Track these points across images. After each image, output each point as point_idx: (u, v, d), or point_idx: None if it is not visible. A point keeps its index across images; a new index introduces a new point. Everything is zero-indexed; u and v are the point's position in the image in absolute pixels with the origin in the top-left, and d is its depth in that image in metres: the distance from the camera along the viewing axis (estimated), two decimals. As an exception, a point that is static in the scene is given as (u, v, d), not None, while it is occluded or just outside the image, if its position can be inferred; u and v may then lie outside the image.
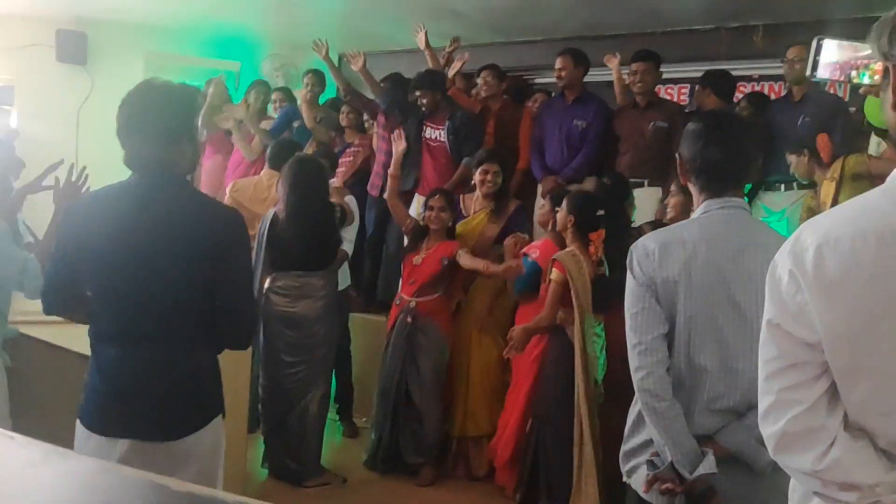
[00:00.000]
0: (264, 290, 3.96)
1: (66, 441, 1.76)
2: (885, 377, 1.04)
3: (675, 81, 6.34)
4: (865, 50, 1.49)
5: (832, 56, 1.55)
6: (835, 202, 3.62)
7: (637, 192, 4.17)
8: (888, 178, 1.11)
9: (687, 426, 1.88)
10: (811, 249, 1.06)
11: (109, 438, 1.96)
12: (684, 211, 3.31)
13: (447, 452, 4.13)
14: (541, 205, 3.95)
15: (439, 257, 3.92)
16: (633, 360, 1.95)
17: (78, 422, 2.04)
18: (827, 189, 3.75)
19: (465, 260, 3.81)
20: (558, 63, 4.76)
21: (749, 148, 2.04)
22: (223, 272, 2.01)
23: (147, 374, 1.98)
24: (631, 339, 1.95)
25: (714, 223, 1.96)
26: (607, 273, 3.49)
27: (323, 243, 3.99)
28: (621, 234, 3.62)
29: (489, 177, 4.24)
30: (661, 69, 4.81)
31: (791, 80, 4.26)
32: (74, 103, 6.96)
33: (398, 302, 4.07)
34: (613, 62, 4.86)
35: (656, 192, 4.27)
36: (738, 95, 5.18)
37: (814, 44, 1.57)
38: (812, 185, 4.06)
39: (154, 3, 6.46)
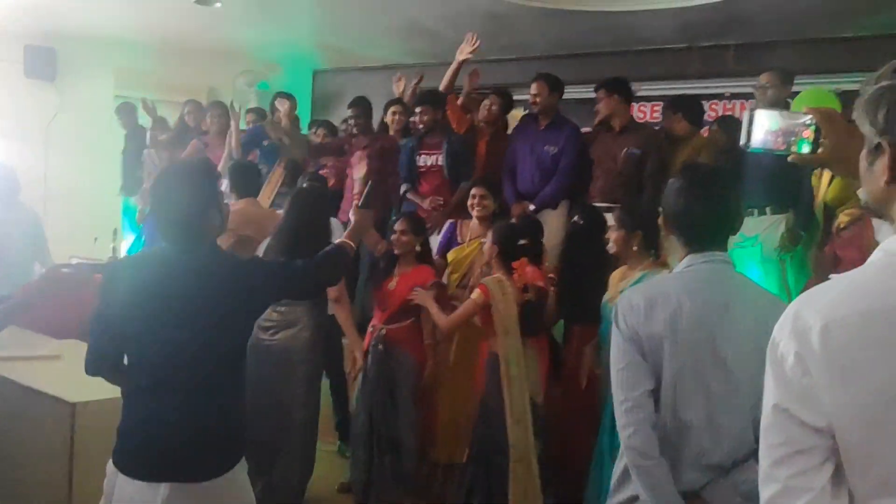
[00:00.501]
0: None
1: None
2: None
3: (648, 99, 6.38)
4: (801, 118, 1.48)
5: (768, 125, 1.55)
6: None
7: (609, 217, 4.17)
8: (877, 252, 1.09)
9: (673, 483, 1.86)
10: (817, 329, 1.03)
11: (150, 483, 2.09)
12: (626, 246, 3.29)
13: (434, 480, 4.07)
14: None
15: (410, 285, 3.87)
16: (620, 418, 1.91)
17: (113, 467, 2.18)
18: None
19: (421, 298, 3.77)
20: (533, 89, 4.73)
21: (733, 203, 2.03)
22: (278, 285, 2.38)
23: (183, 420, 2.14)
24: (617, 395, 1.92)
25: (699, 278, 1.95)
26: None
27: None
28: (600, 266, 3.64)
29: (477, 200, 4.21)
30: (634, 86, 4.78)
31: (762, 105, 4.29)
32: (43, 120, 6.86)
33: (371, 329, 4.02)
34: None
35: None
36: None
37: (746, 115, 1.56)
38: (785, 210, 4.09)
39: (124, 18, 6.39)
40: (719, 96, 5.97)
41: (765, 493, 1.12)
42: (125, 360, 2.24)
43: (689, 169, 2.14)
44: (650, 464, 1.85)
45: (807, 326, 1.04)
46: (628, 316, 1.93)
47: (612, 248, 3.39)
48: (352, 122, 5.52)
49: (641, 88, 6.13)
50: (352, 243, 2.70)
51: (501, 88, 5.33)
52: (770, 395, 1.10)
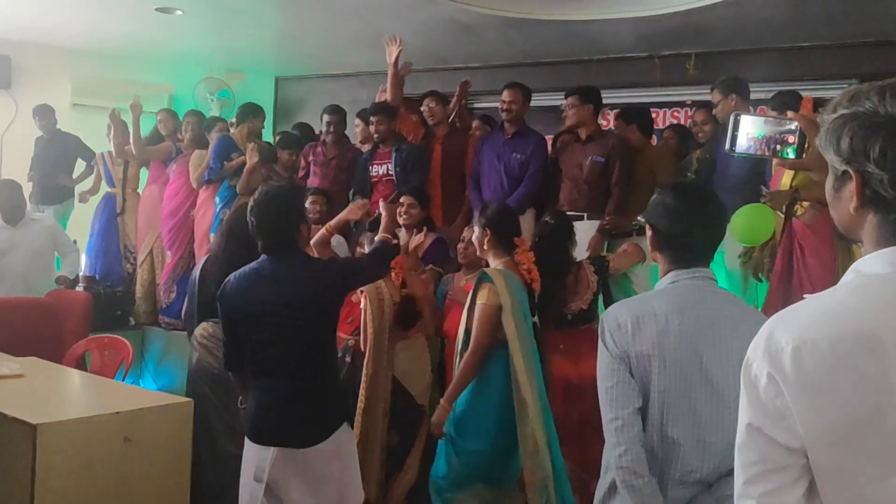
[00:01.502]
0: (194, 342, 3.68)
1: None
2: (869, 481, 1.03)
3: (611, 107, 6.45)
4: (786, 124, 1.50)
5: (753, 131, 1.57)
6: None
7: (576, 226, 4.19)
8: (849, 273, 1.11)
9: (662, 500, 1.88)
10: (788, 350, 1.04)
11: (263, 447, 2.68)
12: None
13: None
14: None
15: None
16: (611, 436, 1.91)
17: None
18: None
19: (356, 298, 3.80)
20: (507, 96, 4.74)
21: (719, 221, 2.05)
22: (347, 280, 2.89)
23: (287, 399, 2.69)
24: (607, 413, 1.92)
25: (685, 295, 1.95)
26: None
27: None
28: (563, 270, 3.71)
29: (404, 209, 4.21)
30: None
31: (722, 120, 4.35)
32: (-2, 128, 6.72)
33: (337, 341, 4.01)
34: None
35: (595, 225, 4.30)
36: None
37: (731, 119, 1.58)
38: None
39: (83, 26, 6.27)
40: (680, 104, 6.06)
41: None
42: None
43: (679, 187, 2.14)
44: (641, 482, 1.85)
45: (779, 347, 1.05)
46: (616, 335, 1.92)
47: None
48: (379, 128, 5.37)
49: (604, 96, 6.21)
50: (389, 236, 3.15)
51: (432, 91, 5.33)
52: (744, 415, 1.11)
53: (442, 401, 3.15)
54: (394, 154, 4.93)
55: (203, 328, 3.59)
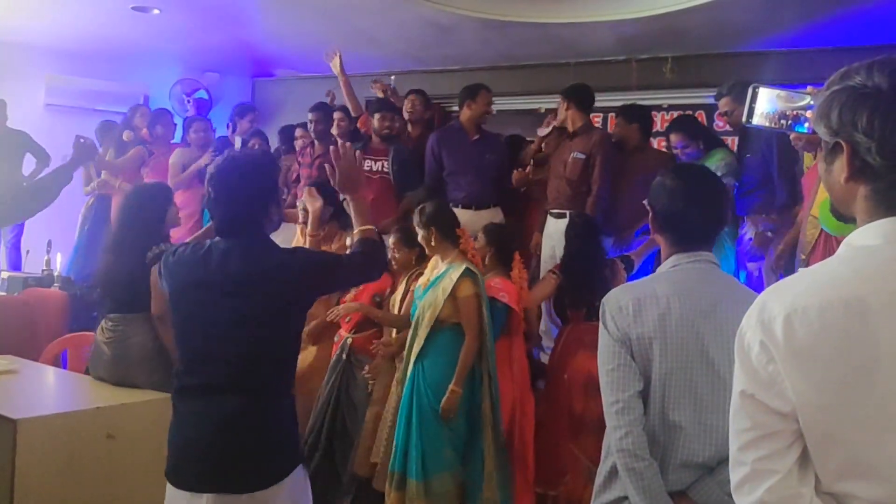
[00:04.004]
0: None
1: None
2: (860, 444, 1.06)
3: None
4: (800, 100, 1.53)
5: (767, 105, 1.60)
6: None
7: (559, 224, 4.22)
8: (842, 247, 1.14)
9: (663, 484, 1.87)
10: (780, 319, 1.08)
11: (194, 494, 1.99)
12: (426, 242, 3.55)
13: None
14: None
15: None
16: (612, 419, 1.90)
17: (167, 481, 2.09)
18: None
19: (350, 307, 3.82)
20: (488, 98, 4.91)
21: (723, 205, 2.06)
22: (325, 276, 2.22)
23: (230, 425, 2.01)
24: (608, 396, 1.91)
25: (686, 278, 1.96)
26: None
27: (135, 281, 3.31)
28: (598, 265, 3.83)
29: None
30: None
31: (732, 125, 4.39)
32: (-31, 128, 6.57)
33: (337, 339, 4.02)
34: None
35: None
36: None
37: (749, 91, 1.61)
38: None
39: (57, 25, 6.19)
40: (658, 107, 6.13)
41: (734, 476, 1.16)
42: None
43: (683, 169, 2.15)
44: (642, 465, 1.85)
45: (771, 316, 1.09)
46: (617, 317, 1.92)
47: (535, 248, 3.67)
48: (311, 126, 5.43)
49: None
50: (371, 228, 2.38)
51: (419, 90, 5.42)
52: (737, 382, 1.14)
53: (452, 386, 3.34)
54: (392, 152, 4.93)
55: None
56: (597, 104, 6.23)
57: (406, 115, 5.24)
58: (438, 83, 6.57)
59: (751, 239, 4.08)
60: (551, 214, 4.56)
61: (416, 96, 5.26)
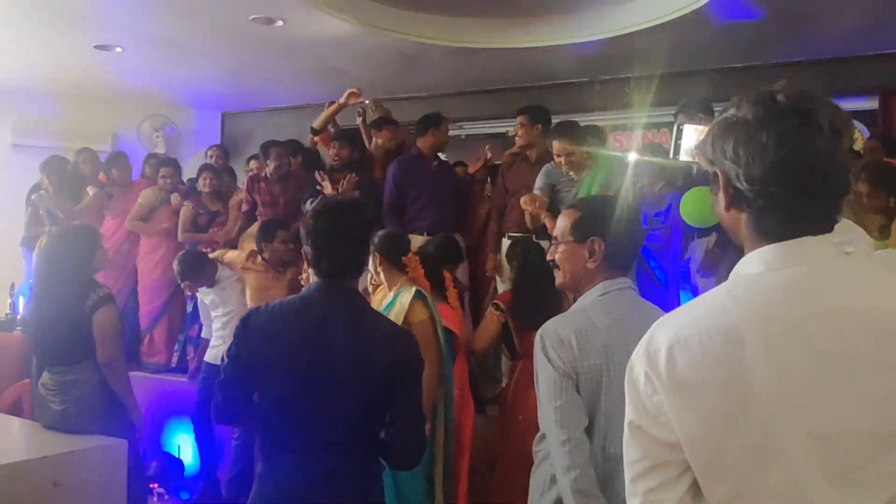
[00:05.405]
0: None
1: None
2: (743, 474, 1.05)
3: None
4: None
5: (692, 140, 1.63)
6: None
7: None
8: (731, 274, 1.15)
9: None
10: (663, 350, 1.08)
11: None
12: (373, 268, 3.46)
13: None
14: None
15: None
16: (563, 458, 1.84)
17: None
18: None
19: None
20: (448, 127, 5.00)
21: (641, 230, 2.08)
22: (400, 393, 2.09)
23: (322, 483, 2.02)
24: (557, 434, 1.85)
25: (619, 306, 1.95)
26: None
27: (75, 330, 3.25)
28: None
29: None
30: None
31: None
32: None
33: None
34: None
35: (544, 245, 4.26)
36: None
37: (674, 129, 1.65)
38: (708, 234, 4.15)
39: (21, 64, 6.19)
40: (622, 127, 6.16)
41: None
42: (270, 417, 2.11)
43: (602, 201, 2.17)
44: None
45: (656, 348, 1.09)
46: (560, 350, 1.88)
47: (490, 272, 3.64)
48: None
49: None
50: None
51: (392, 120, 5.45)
52: (627, 413, 1.14)
53: None
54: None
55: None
56: (562, 125, 6.31)
57: (333, 162, 5.22)
58: (406, 110, 6.58)
59: (693, 258, 4.09)
60: (510, 237, 4.54)
61: (340, 144, 5.23)
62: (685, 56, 5.49)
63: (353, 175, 4.84)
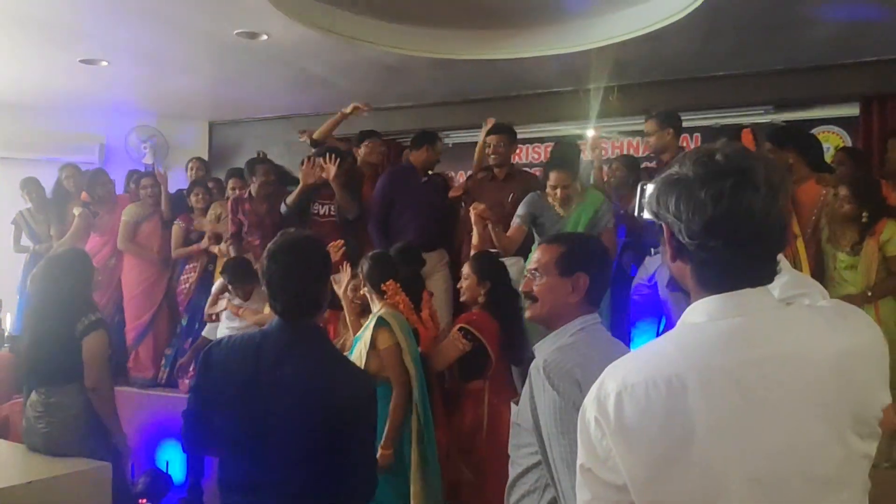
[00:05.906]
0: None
1: None
2: None
3: (542, 141, 6.60)
4: None
5: None
6: None
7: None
8: (678, 323, 1.20)
9: None
10: (612, 396, 1.12)
11: None
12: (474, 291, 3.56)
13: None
14: (466, 274, 3.71)
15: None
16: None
17: None
18: None
19: None
20: (441, 147, 5.02)
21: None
22: (352, 434, 2.04)
23: None
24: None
25: (602, 342, 1.95)
26: None
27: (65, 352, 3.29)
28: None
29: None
30: (524, 129, 4.94)
31: (654, 149, 4.35)
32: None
33: None
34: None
35: (518, 261, 4.26)
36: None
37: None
38: None
39: (6, 77, 6.18)
40: (606, 136, 6.20)
41: None
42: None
43: (581, 238, 2.23)
44: None
45: (606, 394, 1.13)
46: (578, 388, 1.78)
47: (464, 294, 3.67)
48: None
49: (532, 130, 6.37)
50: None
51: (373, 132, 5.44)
52: (579, 455, 1.17)
53: (381, 448, 3.21)
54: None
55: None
56: (546, 134, 6.38)
57: (368, 158, 5.23)
58: (392, 120, 6.63)
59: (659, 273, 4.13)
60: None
61: (371, 140, 5.27)
62: (667, 66, 5.54)
63: (338, 157, 4.80)
